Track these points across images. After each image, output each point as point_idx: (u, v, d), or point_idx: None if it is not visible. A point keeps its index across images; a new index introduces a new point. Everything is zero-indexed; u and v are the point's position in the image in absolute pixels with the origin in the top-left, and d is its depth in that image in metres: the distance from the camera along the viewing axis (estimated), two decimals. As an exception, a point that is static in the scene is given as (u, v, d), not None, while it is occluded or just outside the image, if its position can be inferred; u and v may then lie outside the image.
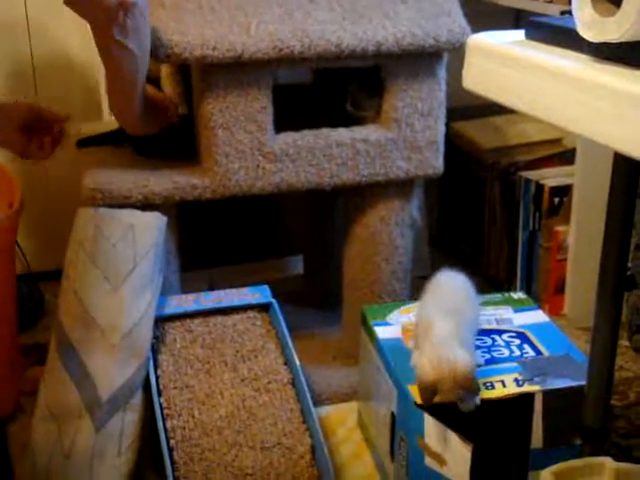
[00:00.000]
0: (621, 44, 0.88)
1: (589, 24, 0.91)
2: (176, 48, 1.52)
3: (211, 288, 1.87)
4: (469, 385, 1.31)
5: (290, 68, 1.68)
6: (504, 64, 1.02)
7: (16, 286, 1.84)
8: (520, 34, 1.08)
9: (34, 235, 2.27)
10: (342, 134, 1.71)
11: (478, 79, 1.08)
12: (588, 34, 0.92)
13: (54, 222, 2.38)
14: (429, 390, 1.32)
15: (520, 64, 0.99)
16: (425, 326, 1.42)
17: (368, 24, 1.63)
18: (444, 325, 1.39)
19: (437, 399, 1.32)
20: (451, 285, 1.56)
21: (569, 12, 0.97)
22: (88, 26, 1.40)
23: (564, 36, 0.99)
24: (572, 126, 0.89)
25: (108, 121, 1.90)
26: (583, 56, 0.95)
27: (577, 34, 0.93)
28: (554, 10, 1.95)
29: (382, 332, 1.60)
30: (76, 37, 2.22)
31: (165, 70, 1.92)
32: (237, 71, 1.59)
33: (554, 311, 2.15)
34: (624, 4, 0.85)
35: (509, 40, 1.06)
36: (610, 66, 0.90)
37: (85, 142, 1.82)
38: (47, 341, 1.59)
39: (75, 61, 2.26)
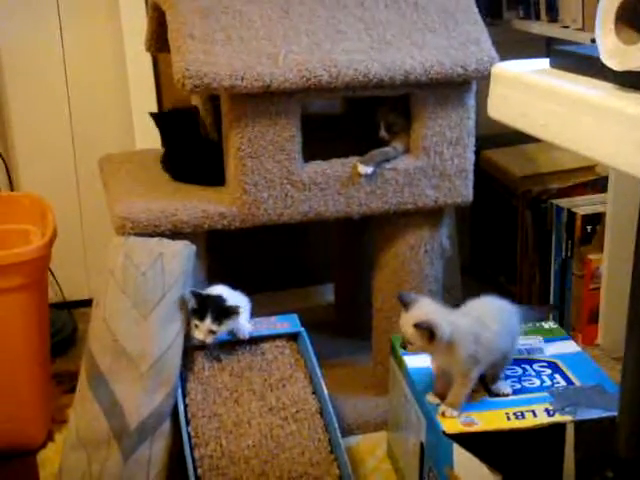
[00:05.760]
0: (645, 72, 0.88)
1: (613, 52, 0.91)
2: (205, 79, 1.53)
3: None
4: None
5: (319, 98, 1.69)
6: (527, 92, 1.02)
7: (49, 314, 1.86)
8: (545, 62, 1.08)
9: (68, 264, 2.30)
10: (371, 163, 1.71)
11: (502, 107, 1.08)
12: (612, 62, 0.91)
13: (88, 251, 2.41)
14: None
15: (543, 92, 0.99)
16: None
17: (396, 53, 1.64)
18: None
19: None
20: (482, 304, 1.53)
21: (598, 40, 0.97)
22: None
23: (588, 64, 0.99)
24: (595, 154, 0.89)
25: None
26: (607, 84, 0.94)
27: (601, 62, 0.93)
28: (585, 38, 1.93)
29: (411, 361, 1.59)
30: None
31: (196, 99, 1.94)
32: (265, 101, 1.60)
33: (587, 341, 2.12)
34: (648, 32, 0.85)
35: (533, 68, 1.06)
36: (634, 94, 0.90)
37: None
38: (79, 369, 1.60)
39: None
